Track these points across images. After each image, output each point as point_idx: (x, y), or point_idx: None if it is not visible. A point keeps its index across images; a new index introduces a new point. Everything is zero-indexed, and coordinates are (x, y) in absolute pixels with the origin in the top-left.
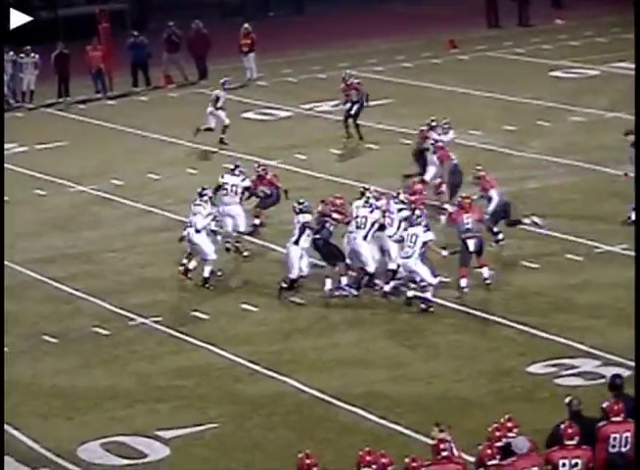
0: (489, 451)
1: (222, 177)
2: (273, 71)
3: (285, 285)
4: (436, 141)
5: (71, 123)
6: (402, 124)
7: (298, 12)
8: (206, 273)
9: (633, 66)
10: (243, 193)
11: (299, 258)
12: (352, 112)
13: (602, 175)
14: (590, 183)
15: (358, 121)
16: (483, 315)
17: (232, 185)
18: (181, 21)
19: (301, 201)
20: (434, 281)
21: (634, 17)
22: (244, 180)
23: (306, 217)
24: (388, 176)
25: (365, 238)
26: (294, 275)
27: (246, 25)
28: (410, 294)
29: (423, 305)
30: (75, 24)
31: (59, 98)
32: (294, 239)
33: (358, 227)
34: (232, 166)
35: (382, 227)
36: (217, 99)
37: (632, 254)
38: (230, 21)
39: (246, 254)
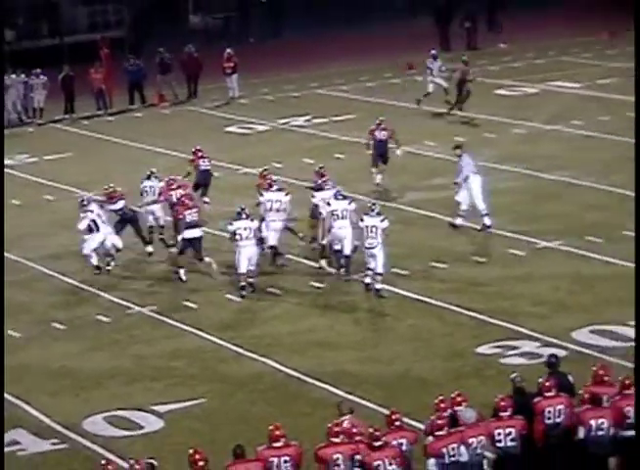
0: (440, 422)
1: (142, 182)
2: (253, 91)
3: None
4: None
5: (76, 137)
6: (362, 136)
7: (275, 38)
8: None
9: (569, 84)
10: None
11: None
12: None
13: (541, 181)
14: (531, 187)
15: None
16: (438, 303)
17: (150, 187)
18: (172, 46)
19: (243, 206)
20: (383, 270)
21: (634, 22)
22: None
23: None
24: (353, 181)
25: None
26: (244, 269)
27: (228, 50)
28: (368, 280)
29: (377, 285)
30: (79, 50)
31: (65, 114)
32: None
33: (342, 218)
34: (148, 173)
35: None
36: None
37: (569, 249)
38: (214, 46)
39: (171, 242)
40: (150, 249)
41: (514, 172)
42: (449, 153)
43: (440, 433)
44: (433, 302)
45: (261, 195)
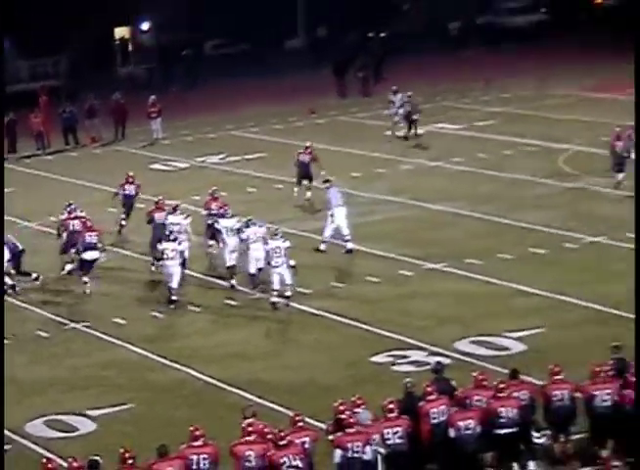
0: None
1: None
2: (174, 133)
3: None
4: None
5: (19, 174)
6: (273, 173)
7: (194, 86)
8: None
9: (450, 126)
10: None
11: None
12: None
13: (427, 211)
14: (418, 217)
15: None
16: (338, 318)
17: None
18: (102, 94)
19: (172, 230)
20: (292, 281)
21: (634, 50)
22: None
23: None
24: (262, 210)
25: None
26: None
27: (152, 97)
28: (274, 299)
29: (283, 302)
30: (21, 97)
31: (9, 154)
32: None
33: (256, 241)
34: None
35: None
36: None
37: (451, 270)
38: (141, 93)
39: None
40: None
41: (403, 203)
42: (347, 186)
43: (350, 430)
44: (333, 317)
45: (166, 218)
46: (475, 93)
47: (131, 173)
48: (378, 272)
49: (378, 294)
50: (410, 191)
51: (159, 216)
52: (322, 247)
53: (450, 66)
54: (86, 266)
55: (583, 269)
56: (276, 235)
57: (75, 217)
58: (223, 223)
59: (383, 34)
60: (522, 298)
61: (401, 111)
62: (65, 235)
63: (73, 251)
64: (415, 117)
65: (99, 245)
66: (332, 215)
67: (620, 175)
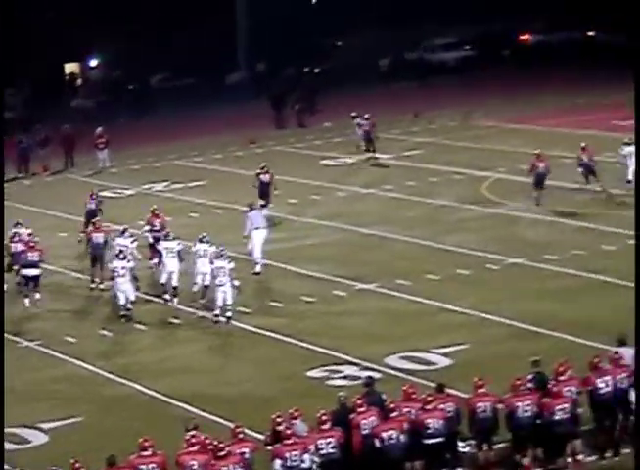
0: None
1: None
2: (121, 162)
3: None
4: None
5: None
6: (214, 199)
7: (140, 118)
8: None
9: (383, 155)
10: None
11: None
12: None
13: (360, 234)
14: (351, 240)
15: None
16: (276, 336)
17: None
18: (54, 125)
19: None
20: (233, 301)
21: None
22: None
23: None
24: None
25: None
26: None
27: (100, 128)
28: (220, 319)
29: (225, 319)
30: None
31: None
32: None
33: (204, 257)
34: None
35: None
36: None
37: (382, 290)
38: (90, 125)
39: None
40: None
41: (337, 228)
42: (285, 211)
43: (287, 441)
44: (271, 334)
45: (113, 239)
46: (404, 124)
47: (94, 190)
48: (313, 292)
49: (313, 312)
50: (344, 216)
51: (96, 237)
52: (257, 269)
53: (381, 99)
54: (30, 283)
55: (504, 289)
56: (221, 256)
57: (19, 240)
58: (164, 244)
59: (317, 69)
60: (448, 315)
61: (360, 132)
62: (10, 256)
63: (16, 268)
64: (372, 136)
65: (40, 263)
66: (248, 237)
67: (536, 193)
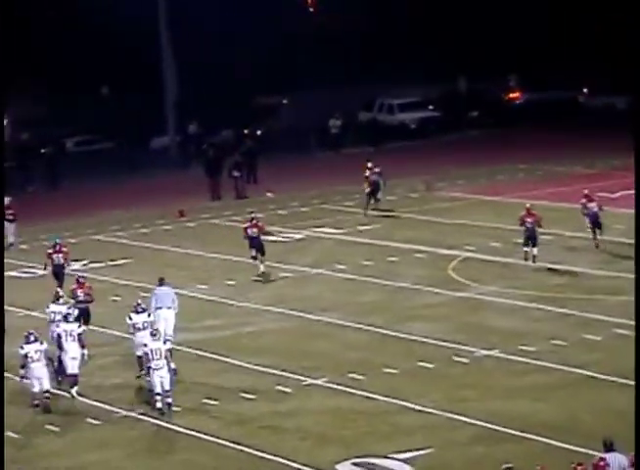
0: None
1: None
2: (31, 237)
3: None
4: None
5: None
6: (140, 280)
7: (53, 188)
8: None
9: (332, 230)
10: None
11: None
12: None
13: (307, 321)
14: (297, 328)
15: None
16: (210, 438)
17: None
18: None
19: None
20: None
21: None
22: None
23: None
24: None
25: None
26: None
27: (8, 199)
28: (159, 405)
29: (166, 406)
30: None
31: None
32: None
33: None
34: None
35: None
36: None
37: (332, 385)
38: None
39: None
40: None
41: (281, 313)
42: (220, 294)
43: None
44: (204, 436)
45: (47, 307)
46: (357, 195)
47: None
48: (254, 388)
49: (253, 411)
50: (289, 300)
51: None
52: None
53: (331, 165)
54: None
55: (473, 385)
56: (154, 336)
57: None
58: (64, 327)
59: (259, 132)
60: (408, 415)
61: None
62: None
63: None
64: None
65: None
66: (157, 314)
67: (535, 249)
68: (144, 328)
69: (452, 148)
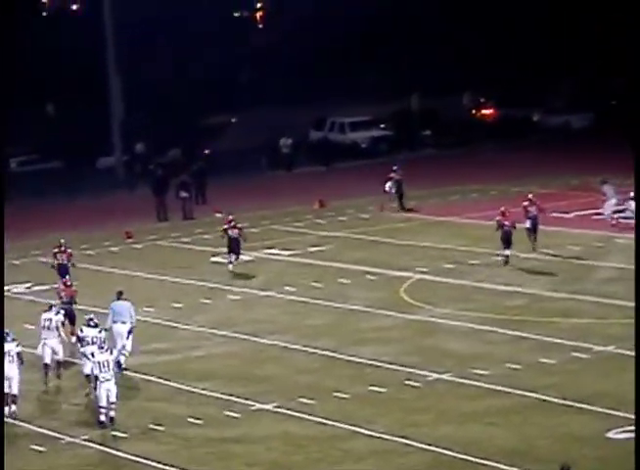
0: None
1: None
2: None
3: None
4: None
5: None
6: (84, 303)
7: None
8: None
9: (282, 252)
10: None
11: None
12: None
13: (256, 345)
14: (246, 351)
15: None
16: (157, 465)
17: None
18: None
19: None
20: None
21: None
22: None
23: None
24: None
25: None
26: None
27: None
28: (102, 418)
29: (109, 420)
30: None
31: None
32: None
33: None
34: None
35: None
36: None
37: (281, 410)
38: None
39: None
40: None
41: (229, 337)
42: (167, 317)
43: None
44: (150, 463)
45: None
46: (308, 216)
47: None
48: (201, 413)
49: (201, 438)
50: (237, 323)
51: None
52: (121, 359)
53: (282, 185)
54: None
55: (426, 410)
56: (102, 348)
57: None
58: (7, 347)
59: (207, 151)
60: (359, 441)
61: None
62: None
63: None
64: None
65: None
66: (108, 330)
67: (508, 251)
68: (92, 343)
69: (405, 168)
